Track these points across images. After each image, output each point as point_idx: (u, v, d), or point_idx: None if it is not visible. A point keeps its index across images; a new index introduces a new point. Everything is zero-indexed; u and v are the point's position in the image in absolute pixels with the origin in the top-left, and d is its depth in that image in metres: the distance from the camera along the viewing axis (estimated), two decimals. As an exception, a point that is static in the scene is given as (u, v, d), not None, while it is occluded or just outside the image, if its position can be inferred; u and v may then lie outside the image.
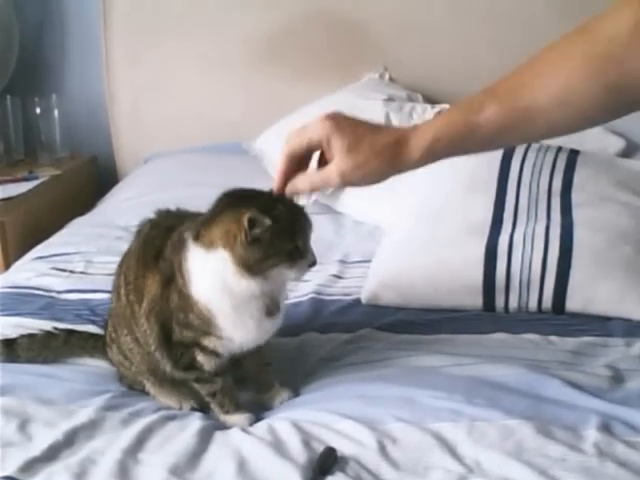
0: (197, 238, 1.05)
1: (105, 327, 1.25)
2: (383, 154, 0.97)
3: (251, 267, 1.02)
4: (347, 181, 0.99)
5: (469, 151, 1.03)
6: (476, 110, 0.96)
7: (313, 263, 1.07)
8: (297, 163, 1.02)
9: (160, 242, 1.12)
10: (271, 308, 1.09)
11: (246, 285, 1.04)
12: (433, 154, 0.98)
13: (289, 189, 1.02)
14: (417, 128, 0.99)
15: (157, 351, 1.11)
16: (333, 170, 0.98)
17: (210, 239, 1.03)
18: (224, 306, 1.05)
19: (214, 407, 1.12)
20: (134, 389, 1.20)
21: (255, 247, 1.01)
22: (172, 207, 1.19)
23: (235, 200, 1.05)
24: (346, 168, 0.97)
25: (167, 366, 1.12)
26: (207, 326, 1.07)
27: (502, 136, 0.98)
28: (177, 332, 1.09)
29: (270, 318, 1.09)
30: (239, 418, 1.11)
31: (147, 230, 1.16)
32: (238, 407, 1.12)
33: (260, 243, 1.01)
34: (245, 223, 0.99)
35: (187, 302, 1.07)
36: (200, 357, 1.10)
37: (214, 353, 1.09)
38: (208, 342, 1.09)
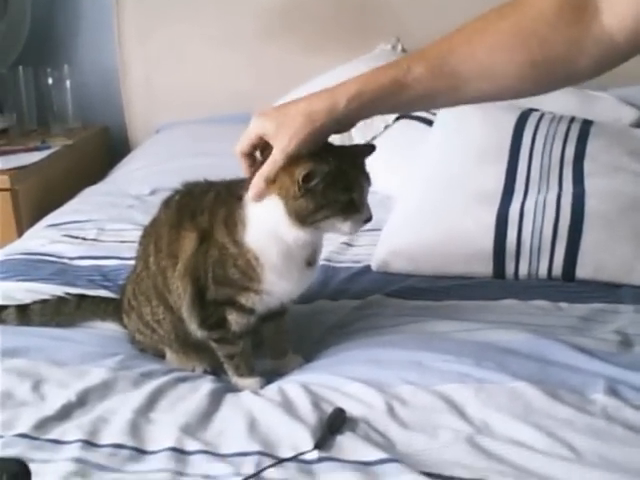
0: None
1: (122, 293, 1.25)
2: (310, 114, 1.00)
3: (304, 218, 1.02)
4: (290, 153, 1.00)
5: (396, 109, 1.08)
6: (404, 70, 1.00)
7: (369, 219, 1.05)
8: (253, 161, 1.07)
9: (195, 205, 1.11)
10: (311, 259, 1.10)
11: (296, 235, 1.04)
12: (360, 105, 1.00)
13: (252, 191, 1.04)
14: (342, 83, 1.02)
15: (187, 311, 1.11)
16: (275, 152, 1.01)
17: (269, 190, 1.03)
18: (273, 255, 1.05)
19: (229, 369, 1.13)
20: (146, 352, 1.21)
21: (308, 198, 1.00)
22: (187, 177, 1.19)
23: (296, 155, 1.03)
24: (284, 143, 1.00)
25: (192, 325, 1.12)
26: (249, 280, 1.07)
27: (429, 98, 1.02)
28: (212, 290, 1.09)
29: (309, 268, 1.10)
30: (251, 381, 1.12)
31: (178, 198, 1.16)
32: (252, 371, 1.13)
33: (313, 194, 1.00)
34: (297, 173, 0.99)
35: (232, 254, 1.06)
36: (231, 316, 1.10)
37: (249, 311, 1.10)
38: (245, 299, 1.09)
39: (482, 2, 2.42)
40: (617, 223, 1.42)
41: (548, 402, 1.00)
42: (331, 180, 1.00)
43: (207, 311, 1.11)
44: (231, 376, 1.13)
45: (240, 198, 1.06)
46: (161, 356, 1.20)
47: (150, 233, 1.18)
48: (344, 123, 1.05)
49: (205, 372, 1.17)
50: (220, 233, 1.07)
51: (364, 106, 1.01)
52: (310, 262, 1.10)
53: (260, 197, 1.03)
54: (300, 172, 0.99)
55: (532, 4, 0.97)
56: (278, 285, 1.08)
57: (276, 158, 1.01)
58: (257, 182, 1.03)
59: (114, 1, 2.60)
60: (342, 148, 1.08)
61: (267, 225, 1.04)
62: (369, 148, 1.09)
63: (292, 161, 1.01)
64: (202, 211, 1.10)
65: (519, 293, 1.36)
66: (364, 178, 1.05)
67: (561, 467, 0.88)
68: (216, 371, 1.16)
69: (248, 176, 1.07)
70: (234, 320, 1.10)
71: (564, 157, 1.54)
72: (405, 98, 1.01)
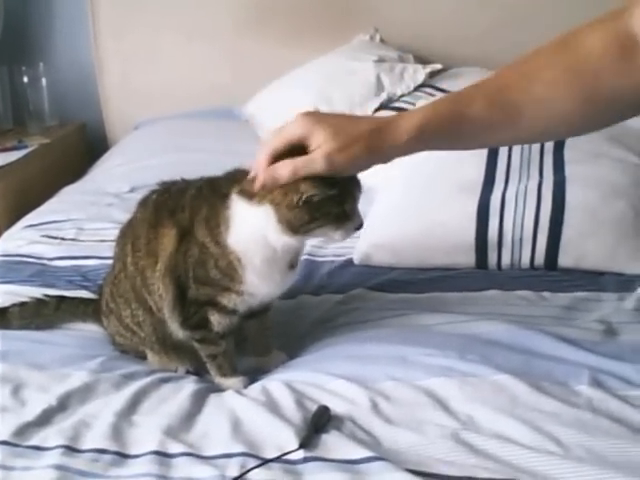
0: (242, 192, 1.03)
1: (100, 294, 1.24)
2: (367, 138, 0.97)
3: (296, 228, 1.01)
4: (332, 164, 0.96)
5: (455, 144, 1.06)
6: (465, 103, 0.99)
7: (360, 226, 1.05)
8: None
9: (174, 203, 1.09)
10: (293, 261, 1.09)
11: (284, 241, 1.03)
12: (419, 140, 0.99)
13: (268, 173, 0.99)
14: (403, 114, 1.00)
15: (169, 311, 1.10)
16: (318, 153, 0.96)
17: (259, 194, 1.00)
18: (256, 257, 1.04)
19: (211, 369, 1.12)
20: (127, 353, 1.20)
21: (303, 210, 0.99)
22: (168, 173, 1.17)
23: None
24: (331, 150, 0.96)
25: (174, 325, 1.11)
26: (230, 281, 1.06)
27: (488, 132, 1.01)
28: (193, 289, 1.08)
29: (291, 270, 1.10)
30: (234, 381, 1.11)
31: (156, 197, 1.14)
32: (235, 371, 1.12)
33: (309, 206, 0.99)
34: (302, 190, 0.97)
35: (213, 254, 1.05)
36: (213, 317, 1.09)
37: (231, 311, 1.09)
38: (227, 300, 1.08)
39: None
40: (598, 210, 1.42)
41: (533, 395, 1.00)
42: (329, 195, 0.99)
43: (188, 311, 1.10)
44: (214, 376, 1.12)
45: (225, 196, 1.05)
46: (142, 357, 1.19)
47: (127, 234, 1.16)
48: (392, 158, 1.02)
49: (188, 372, 1.16)
50: (201, 232, 1.06)
51: (422, 143, 1.00)
52: (293, 264, 1.09)
53: (270, 186, 0.99)
54: (307, 190, 0.97)
55: (583, 41, 0.98)
56: (259, 287, 1.07)
57: (316, 161, 0.96)
58: (287, 169, 0.97)
59: (88, -3, 2.58)
60: None
61: (253, 229, 1.03)
62: None
63: None
64: (182, 208, 1.08)
65: (502, 283, 1.36)
66: (357, 188, 1.04)
67: (548, 462, 0.87)
68: (199, 371, 1.15)
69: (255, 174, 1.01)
70: (216, 320, 1.09)
71: (544, 145, 1.54)
72: (465, 133, 1.00)
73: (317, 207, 0.99)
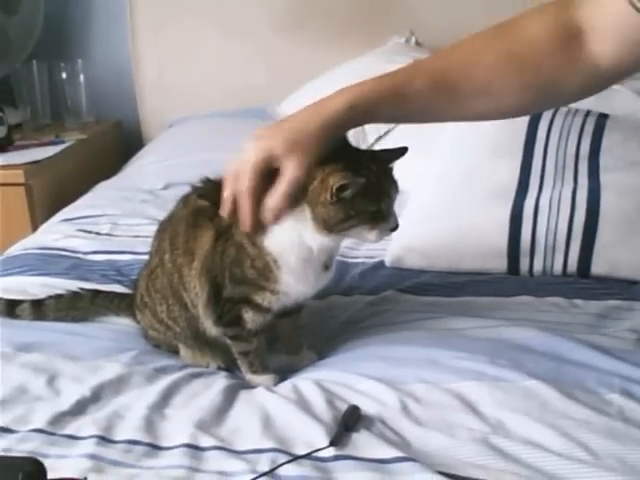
0: None
1: (135, 288, 1.25)
2: (317, 135, 0.98)
3: (331, 226, 1.01)
4: (306, 164, 0.98)
5: (395, 118, 1.10)
6: (405, 82, 1.01)
7: (395, 227, 1.05)
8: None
9: (213, 211, 1.08)
10: (328, 262, 1.09)
11: (319, 241, 1.03)
12: (363, 116, 1.01)
13: (266, 216, 1.00)
14: (343, 90, 1.02)
15: (203, 308, 1.11)
16: (292, 169, 0.97)
17: (294, 194, 1.00)
18: (292, 258, 1.05)
19: (242, 366, 1.13)
20: (159, 347, 1.21)
21: (338, 207, 0.99)
22: (201, 171, 1.16)
23: (324, 158, 1.00)
24: (300, 159, 0.97)
25: (208, 322, 1.12)
26: (265, 280, 1.06)
27: (428, 111, 1.04)
28: (229, 288, 1.09)
29: (325, 271, 1.10)
30: (265, 378, 1.11)
31: (195, 198, 1.14)
32: (266, 368, 1.13)
33: (344, 203, 0.99)
34: (332, 182, 0.98)
35: (250, 254, 1.06)
36: (247, 314, 1.10)
37: (265, 309, 1.09)
38: (261, 299, 1.08)
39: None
40: (633, 219, 1.41)
41: (564, 402, 0.99)
42: (363, 191, 0.99)
43: (223, 309, 1.10)
44: (245, 373, 1.13)
45: None
46: (175, 352, 1.20)
47: (166, 229, 1.17)
48: (343, 131, 1.04)
49: (219, 368, 1.17)
50: (239, 233, 1.06)
51: (366, 115, 1.02)
52: (327, 266, 1.10)
53: (279, 219, 1.00)
54: (336, 181, 0.98)
55: (525, 28, 1.02)
56: (294, 287, 1.08)
57: (296, 175, 0.98)
58: (276, 203, 0.99)
59: (127, -5, 2.61)
60: (374, 154, 1.06)
61: (289, 229, 1.03)
62: (400, 151, 1.06)
63: (324, 166, 0.99)
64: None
65: (534, 290, 1.35)
66: (393, 187, 1.04)
67: (578, 469, 0.87)
68: (230, 367, 1.16)
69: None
70: (250, 318, 1.10)
71: (579, 151, 1.53)
72: (404, 109, 1.02)
73: (352, 204, 0.99)
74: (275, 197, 0.99)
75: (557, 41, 1.00)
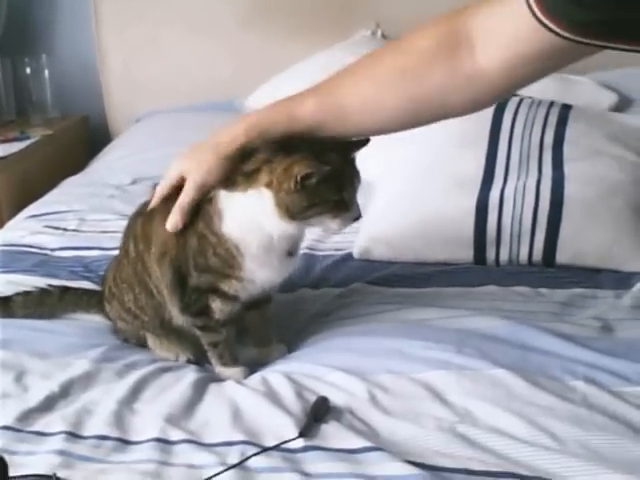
0: (232, 184, 1.05)
1: (103, 282, 1.25)
2: (218, 147, 1.06)
3: (294, 214, 1.02)
4: (200, 183, 1.07)
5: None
6: (298, 103, 1.06)
7: (358, 217, 1.06)
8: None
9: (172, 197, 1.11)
10: (292, 249, 1.10)
11: (281, 228, 1.04)
12: (257, 135, 1.06)
13: (169, 224, 1.08)
14: (239, 122, 1.09)
15: (168, 295, 1.11)
16: (189, 184, 1.07)
17: (252, 183, 1.03)
18: (253, 244, 1.06)
19: (212, 358, 1.13)
20: (129, 342, 1.21)
21: (301, 194, 1.00)
22: (166, 168, 1.17)
23: (284, 148, 1.03)
24: (197, 176, 1.07)
25: (174, 310, 1.12)
26: (229, 268, 1.07)
27: (316, 129, 1.06)
28: (194, 277, 1.09)
29: (290, 258, 1.11)
30: (235, 371, 1.12)
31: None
32: (236, 360, 1.13)
33: (306, 190, 1.00)
34: (296, 170, 0.99)
35: (211, 243, 1.06)
36: (214, 304, 1.10)
37: (232, 298, 1.10)
38: (228, 287, 1.09)
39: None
40: (597, 208, 1.43)
41: (529, 389, 1.01)
42: (326, 179, 1.00)
43: (190, 297, 1.11)
44: (214, 365, 1.13)
45: (210, 199, 1.07)
46: (143, 344, 1.20)
47: (131, 224, 1.18)
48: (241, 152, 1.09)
49: (188, 361, 1.17)
50: (199, 225, 1.07)
51: (261, 135, 1.06)
52: (291, 252, 1.10)
53: (176, 227, 1.07)
54: (301, 169, 0.99)
55: (412, 42, 1.04)
56: (259, 273, 1.08)
57: (189, 190, 1.07)
58: (175, 212, 1.07)
59: (91, -11, 2.58)
60: (336, 143, 1.07)
61: (248, 216, 1.04)
62: (362, 142, 1.08)
63: (289, 154, 1.01)
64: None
65: (500, 279, 1.37)
66: (356, 176, 1.06)
67: (544, 456, 0.88)
68: (199, 360, 1.16)
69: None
70: (218, 308, 1.10)
71: (543, 142, 1.55)
72: (296, 129, 1.06)
73: (315, 192, 1.01)
74: (175, 207, 1.08)
75: (441, 51, 1.00)
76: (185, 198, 1.07)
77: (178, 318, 1.13)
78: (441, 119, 1.07)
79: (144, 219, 1.14)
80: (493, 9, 0.98)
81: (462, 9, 1.01)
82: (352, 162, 1.07)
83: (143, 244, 1.13)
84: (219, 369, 1.13)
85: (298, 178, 0.99)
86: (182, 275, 1.10)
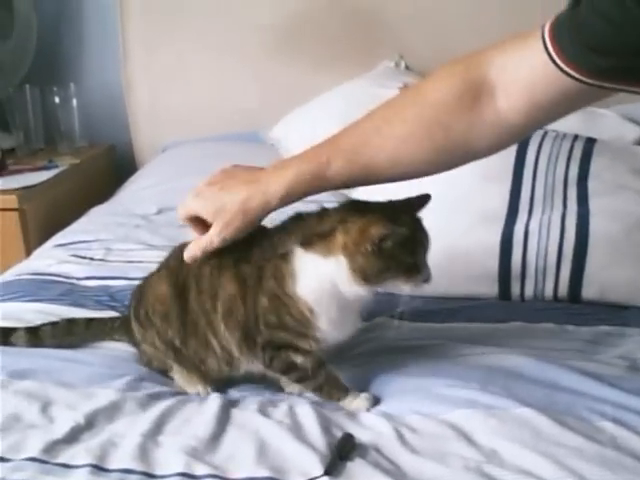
0: (308, 243, 1.04)
1: (137, 300, 1.22)
2: (245, 209, 1.06)
3: (368, 277, 1.02)
4: (228, 239, 1.08)
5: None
6: (324, 164, 1.06)
7: (428, 279, 1.07)
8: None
9: (238, 254, 1.10)
10: (363, 309, 1.11)
11: (355, 291, 1.04)
12: (288, 202, 1.07)
13: (187, 257, 1.10)
14: (269, 184, 1.06)
15: (238, 353, 1.11)
16: (213, 233, 1.08)
17: (327, 244, 1.03)
18: (329, 308, 1.05)
19: (324, 399, 1.11)
20: (150, 366, 1.21)
21: (377, 258, 1.00)
22: None
23: (357, 209, 1.05)
24: (220, 228, 1.07)
25: (250, 365, 1.12)
26: (304, 327, 1.07)
27: (349, 185, 1.11)
28: (265, 334, 1.08)
29: (359, 315, 1.11)
30: (358, 402, 1.09)
31: None
32: (347, 390, 1.10)
33: (382, 254, 1.00)
34: (373, 232, 0.99)
35: (285, 303, 1.06)
36: (298, 359, 1.09)
37: (310, 353, 1.09)
38: (304, 344, 1.08)
39: (483, 20, 2.47)
40: (622, 243, 1.43)
41: (556, 429, 0.99)
42: (401, 241, 1.01)
43: (264, 354, 1.10)
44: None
45: (284, 255, 1.06)
46: (165, 371, 1.20)
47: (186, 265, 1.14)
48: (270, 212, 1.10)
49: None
50: (270, 284, 1.06)
51: (293, 200, 1.08)
52: (362, 314, 1.11)
53: (194, 261, 1.09)
54: (378, 231, 0.99)
55: (432, 92, 1.05)
56: (332, 333, 1.08)
57: (213, 239, 1.08)
58: (195, 249, 1.10)
59: (119, 20, 2.62)
60: (404, 204, 1.07)
61: (323, 279, 1.04)
62: (424, 199, 1.09)
63: (362, 214, 1.02)
64: (249, 260, 1.09)
65: (525, 315, 1.36)
66: (426, 238, 1.07)
67: (572, 498, 0.87)
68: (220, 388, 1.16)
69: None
70: (302, 361, 1.09)
71: (568, 176, 1.54)
72: (328, 188, 1.08)
73: (391, 255, 1.01)
74: (194, 246, 1.10)
75: (465, 100, 1.01)
76: (210, 245, 1.09)
77: (253, 369, 1.13)
78: (467, 163, 1.10)
79: (212, 276, 1.11)
80: (512, 55, 1.01)
81: (479, 53, 1.04)
82: (420, 222, 1.07)
83: (210, 301, 1.10)
84: (341, 404, 1.10)
85: (376, 240, 0.99)
86: (249, 333, 1.09)
